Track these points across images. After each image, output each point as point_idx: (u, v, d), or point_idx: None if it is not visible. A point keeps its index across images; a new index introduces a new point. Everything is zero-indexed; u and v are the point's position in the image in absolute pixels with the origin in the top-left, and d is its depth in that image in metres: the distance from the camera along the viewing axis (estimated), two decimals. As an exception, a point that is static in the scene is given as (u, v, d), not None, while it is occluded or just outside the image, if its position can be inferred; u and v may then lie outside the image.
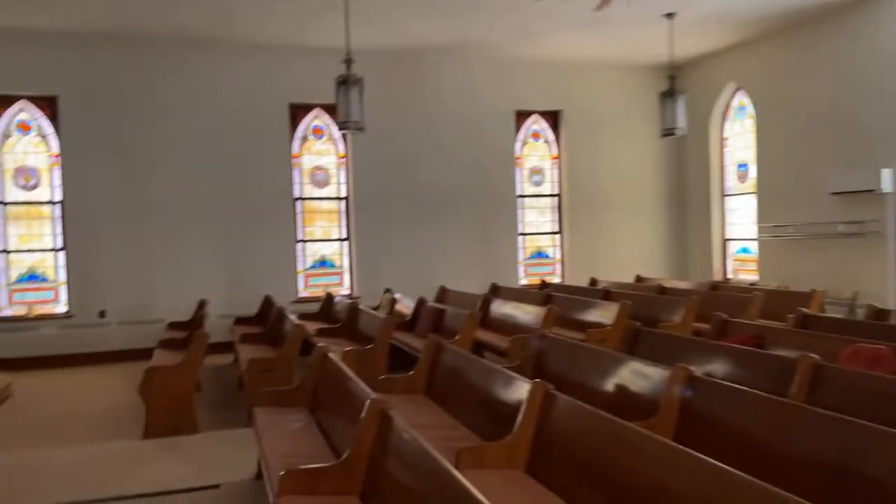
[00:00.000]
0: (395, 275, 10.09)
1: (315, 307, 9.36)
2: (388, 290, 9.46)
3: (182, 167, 9.33)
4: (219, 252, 9.49)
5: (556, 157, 11.40)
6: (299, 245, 10.10)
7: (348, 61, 7.18)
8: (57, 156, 9.06)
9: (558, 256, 11.43)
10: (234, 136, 9.54)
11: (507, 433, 3.22)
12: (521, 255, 11.17)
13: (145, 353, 7.41)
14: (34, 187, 9.07)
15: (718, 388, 3.31)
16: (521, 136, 11.19)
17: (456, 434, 3.64)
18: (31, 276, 9.05)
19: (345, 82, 7.29)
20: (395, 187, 10.28)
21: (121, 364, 8.66)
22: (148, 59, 9.18)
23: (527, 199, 11.28)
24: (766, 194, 10.05)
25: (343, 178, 10.34)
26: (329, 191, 10.33)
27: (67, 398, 7.16)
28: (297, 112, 10.04)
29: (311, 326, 7.83)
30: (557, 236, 11.42)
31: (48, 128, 9.06)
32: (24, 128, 9.03)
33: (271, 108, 9.75)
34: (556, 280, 11.08)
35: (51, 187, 9.09)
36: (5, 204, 8.93)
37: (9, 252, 8.95)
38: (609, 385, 3.97)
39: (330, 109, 9.88)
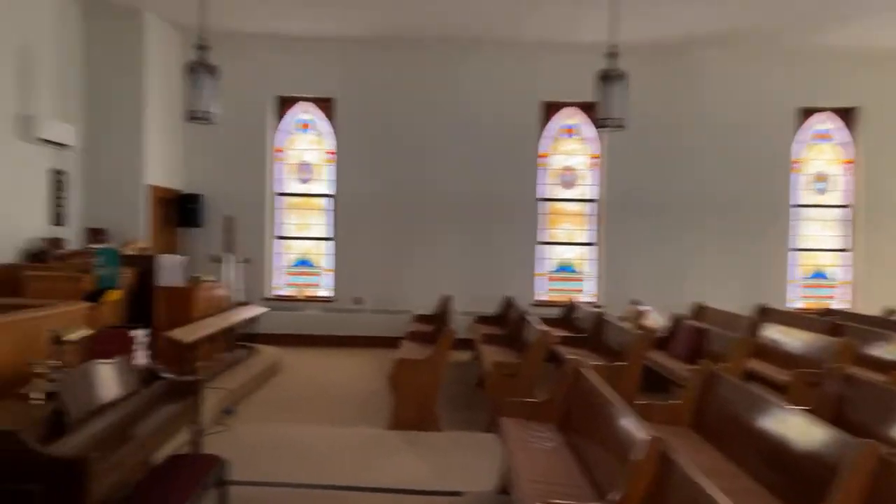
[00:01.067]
0: (642, 285, 9.40)
1: (553, 312, 9.04)
2: (634, 302, 8.80)
3: (438, 165, 9.60)
4: (464, 249, 9.62)
5: (850, 162, 9.76)
6: (542, 247, 9.85)
7: (613, 54, 6.70)
8: (331, 153, 9.84)
9: (845, 278, 9.78)
10: (484, 134, 9.60)
11: (812, 499, 2.55)
12: (793, 274, 9.75)
13: (392, 342, 7.67)
14: (310, 181, 9.94)
15: None
16: (803, 136, 9.77)
17: (741, 486, 3.02)
18: (303, 262, 9.94)
19: (607, 77, 6.82)
20: (650, 192, 9.58)
21: (372, 349, 9.14)
22: (414, 60, 9.56)
23: (806, 210, 9.82)
24: None
25: (593, 180, 9.88)
26: (576, 192, 9.93)
27: (324, 377, 7.66)
28: (549, 110, 9.79)
29: (554, 333, 7.49)
30: (846, 254, 9.77)
31: (325, 126, 9.87)
32: (305, 126, 9.93)
33: (523, 107, 9.63)
34: (838, 306, 9.49)
35: (324, 181, 9.90)
36: (285, 195, 9.91)
37: (286, 238, 9.92)
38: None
39: (585, 108, 9.46)
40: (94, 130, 8.50)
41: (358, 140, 9.66)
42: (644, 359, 5.93)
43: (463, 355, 8.56)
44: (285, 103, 9.85)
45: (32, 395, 2.67)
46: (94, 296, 5.77)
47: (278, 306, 9.65)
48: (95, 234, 7.69)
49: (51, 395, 2.69)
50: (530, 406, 4.20)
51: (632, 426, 2.81)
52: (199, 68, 7.02)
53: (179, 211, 9.31)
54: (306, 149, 9.92)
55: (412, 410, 5.62)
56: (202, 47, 7.08)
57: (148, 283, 7.11)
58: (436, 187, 9.62)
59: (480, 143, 9.61)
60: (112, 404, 2.99)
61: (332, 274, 9.81)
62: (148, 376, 3.53)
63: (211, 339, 6.45)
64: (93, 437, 2.71)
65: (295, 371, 7.91)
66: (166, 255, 7.94)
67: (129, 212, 8.53)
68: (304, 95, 9.78)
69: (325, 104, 9.81)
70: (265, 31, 9.17)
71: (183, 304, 6.75)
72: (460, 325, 8.76)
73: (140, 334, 3.50)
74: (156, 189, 8.80)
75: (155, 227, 8.80)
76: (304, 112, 9.89)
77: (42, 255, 6.70)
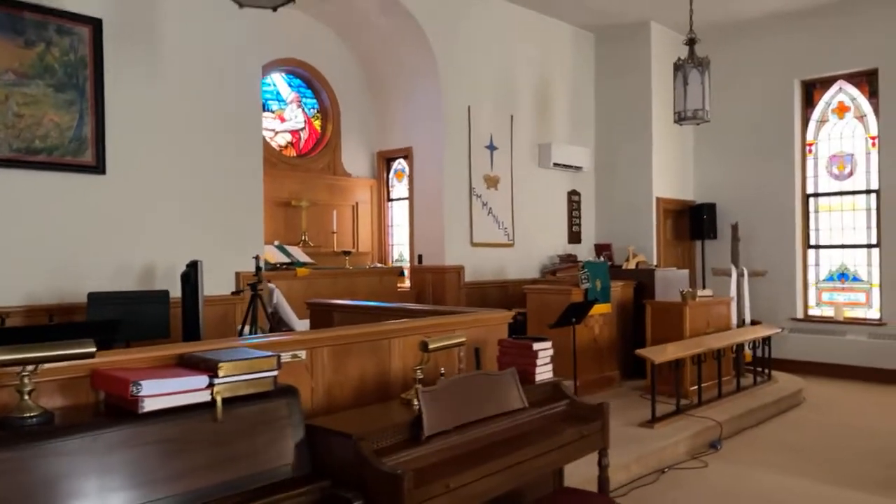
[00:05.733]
0: None
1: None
2: None
3: None
4: None
5: None
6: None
7: None
8: (874, 138, 7.85)
9: None
10: None
11: None
12: None
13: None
14: (849, 176, 8.12)
15: None
16: None
17: None
18: (842, 275, 8.16)
19: None
20: None
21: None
22: None
23: None
24: None
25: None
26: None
27: (857, 422, 5.99)
28: None
29: None
30: None
31: (866, 107, 7.94)
32: (842, 110, 8.18)
33: None
34: None
35: (866, 174, 7.95)
36: (817, 195, 8.32)
37: (819, 247, 8.32)
38: None
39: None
40: (604, 150, 8.81)
41: (911, 117, 7.45)
42: None
43: None
44: (814, 87, 8.32)
45: (414, 403, 2.70)
46: (581, 308, 5.83)
47: (810, 328, 8.14)
48: (600, 249, 7.89)
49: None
50: None
51: None
52: (686, 65, 6.52)
53: (691, 223, 8.83)
54: (843, 136, 8.15)
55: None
56: (691, 41, 6.57)
57: (643, 297, 6.89)
58: None
59: None
60: (486, 419, 2.80)
61: (877, 290, 7.76)
62: (551, 394, 3.25)
63: (701, 359, 5.76)
64: (446, 452, 2.56)
65: (819, 409, 6.44)
66: (668, 269, 7.60)
67: (638, 226, 8.49)
68: (835, 73, 8.07)
69: (862, 79, 7.90)
70: (778, 8, 7.96)
71: (672, 320, 6.26)
72: None
73: (543, 347, 3.24)
74: (664, 201, 8.54)
75: (663, 241, 8.54)
76: (841, 93, 8.15)
77: (552, 270, 7.19)
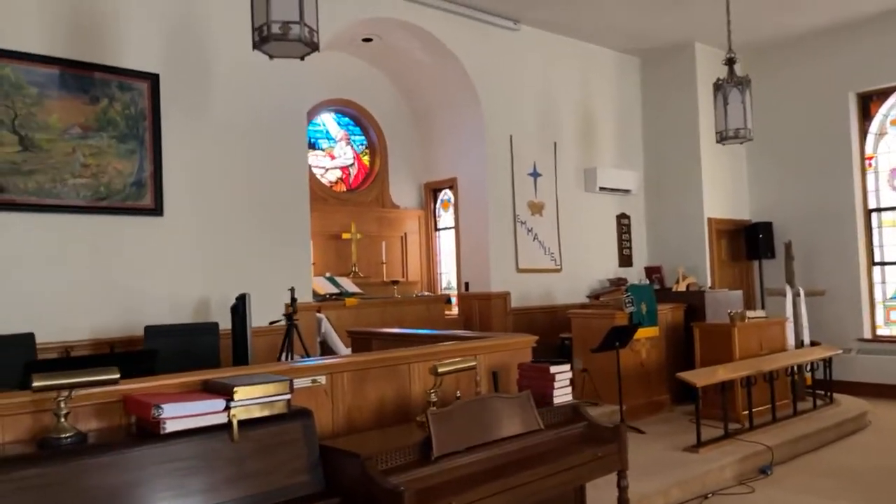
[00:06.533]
0: None
1: None
2: None
3: None
4: None
5: None
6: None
7: None
8: (938, 148, 7.53)
9: None
10: None
11: None
12: None
13: None
14: (912, 189, 7.80)
15: None
16: None
17: None
18: (910, 292, 7.79)
19: None
20: None
21: None
22: None
23: None
24: None
25: None
26: None
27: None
28: None
29: None
30: None
31: (927, 116, 7.65)
32: (900, 122, 7.89)
33: None
34: None
35: (932, 186, 7.63)
36: (880, 210, 8.01)
37: (885, 264, 7.97)
38: None
39: None
40: (653, 172, 8.77)
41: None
42: None
43: None
44: (871, 100, 8.06)
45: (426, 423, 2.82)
46: (625, 332, 5.83)
47: (879, 349, 7.78)
48: (650, 272, 7.82)
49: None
50: None
51: None
52: (726, 84, 6.48)
53: (747, 242, 8.63)
54: (904, 150, 7.86)
55: None
56: (730, 61, 6.54)
57: (694, 319, 6.79)
58: None
59: None
60: (500, 441, 2.89)
61: (951, 307, 7.38)
62: (569, 416, 3.31)
63: (752, 382, 5.63)
64: (454, 472, 2.67)
65: (885, 433, 6.16)
66: (720, 291, 7.48)
67: (689, 248, 8.37)
68: (892, 85, 7.80)
69: (923, 88, 7.63)
70: (827, 22, 7.80)
71: (720, 342, 6.15)
72: None
73: (561, 370, 3.31)
74: (716, 221, 8.40)
75: (717, 262, 8.38)
76: (897, 105, 7.88)
77: (597, 295, 7.19)
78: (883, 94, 7.95)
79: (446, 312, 7.48)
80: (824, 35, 8.05)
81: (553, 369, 3.32)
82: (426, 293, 7.80)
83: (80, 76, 4.78)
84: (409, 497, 2.30)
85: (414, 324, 6.68)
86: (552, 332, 7.40)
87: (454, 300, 7.81)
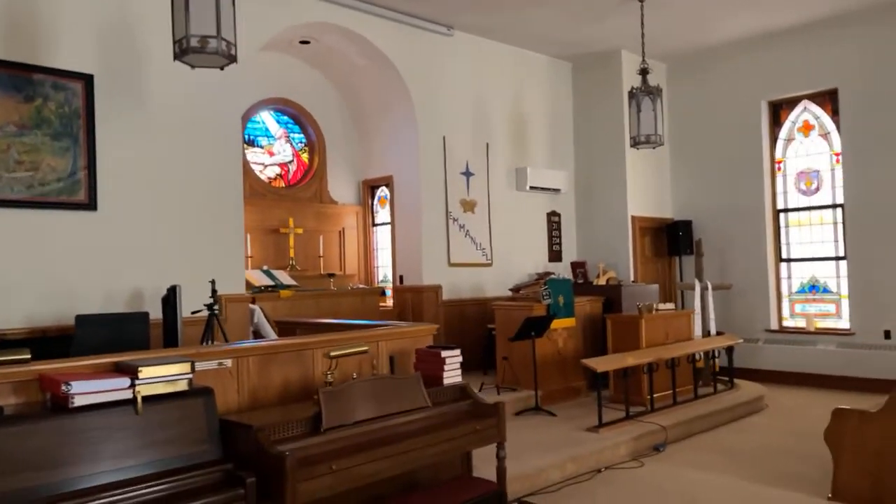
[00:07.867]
0: None
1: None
2: None
3: None
4: None
5: None
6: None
7: None
8: (838, 155, 8.14)
9: None
10: None
11: None
12: None
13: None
14: (815, 191, 8.41)
15: None
16: None
17: None
18: (812, 287, 8.42)
19: None
20: None
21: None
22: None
23: None
24: None
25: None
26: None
27: (816, 427, 6.26)
28: None
29: None
30: None
31: (829, 125, 8.25)
32: (807, 128, 8.50)
33: None
34: None
35: (832, 189, 8.24)
36: (787, 211, 8.62)
37: (791, 261, 8.59)
38: None
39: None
40: (582, 173, 9.26)
41: (869, 135, 7.73)
42: None
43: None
44: (780, 108, 8.66)
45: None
46: (540, 323, 6.28)
47: (783, 339, 8.40)
48: (575, 266, 8.30)
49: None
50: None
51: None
52: (639, 93, 6.96)
53: (669, 239, 9.18)
54: (809, 153, 8.46)
55: (864, 480, 4.15)
56: (643, 71, 7.03)
57: (612, 311, 7.28)
58: None
59: None
60: (390, 415, 3.27)
61: (846, 301, 8.00)
62: (457, 395, 3.71)
63: (653, 368, 6.13)
64: (342, 442, 3.04)
65: (778, 416, 6.73)
66: (637, 285, 7.98)
67: (615, 244, 8.89)
68: (799, 94, 8.41)
69: (825, 99, 8.23)
70: (744, 33, 8.35)
71: (630, 332, 6.64)
72: None
73: (451, 355, 3.70)
74: (640, 220, 8.92)
75: (640, 257, 8.91)
76: (805, 112, 8.48)
77: (517, 288, 7.62)
78: (791, 103, 8.55)
79: (381, 304, 7.84)
80: (739, 46, 8.62)
81: (444, 353, 3.71)
82: (361, 286, 8.15)
83: (15, 76, 4.99)
84: (290, 461, 2.67)
85: (348, 315, 7.01)
86: (481, 323, 7.84)
87: (389, 293, 8.17)
